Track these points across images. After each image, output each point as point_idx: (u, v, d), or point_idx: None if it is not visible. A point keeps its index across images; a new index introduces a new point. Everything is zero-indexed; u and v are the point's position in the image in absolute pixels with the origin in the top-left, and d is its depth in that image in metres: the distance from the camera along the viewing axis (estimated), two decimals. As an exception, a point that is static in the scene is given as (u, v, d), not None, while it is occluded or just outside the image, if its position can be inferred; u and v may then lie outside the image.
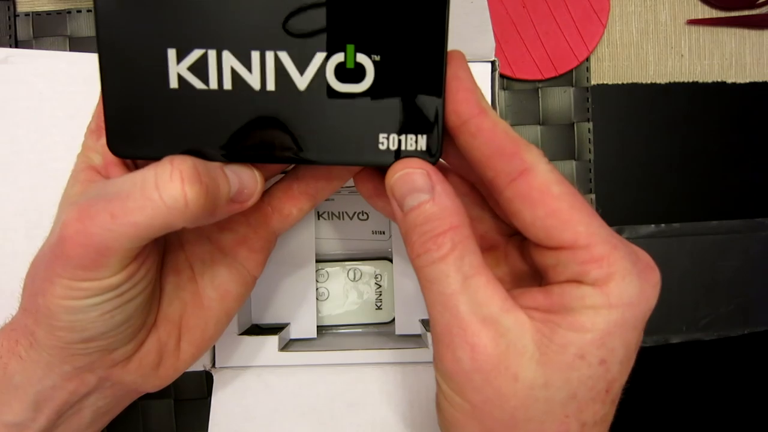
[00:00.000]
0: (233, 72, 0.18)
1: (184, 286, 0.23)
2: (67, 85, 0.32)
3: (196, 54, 0.18)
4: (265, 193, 0.24)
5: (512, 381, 0.18)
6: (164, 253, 0.23)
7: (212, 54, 0.18)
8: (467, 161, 0.20)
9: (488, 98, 0.30)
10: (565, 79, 0.37)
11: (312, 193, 0.24)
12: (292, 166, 0.25)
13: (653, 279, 0.19)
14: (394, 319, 0.34)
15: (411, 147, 0.20)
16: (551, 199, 0.18)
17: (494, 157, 0.19)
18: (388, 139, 0.20)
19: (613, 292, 0.18)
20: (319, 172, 0.23)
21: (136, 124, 0.19)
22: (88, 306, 0.19)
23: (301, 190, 0.24)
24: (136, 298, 0.20)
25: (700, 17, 0.38)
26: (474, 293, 0.18)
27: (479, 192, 0.23)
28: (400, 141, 0.20)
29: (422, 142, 0.20)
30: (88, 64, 0.33)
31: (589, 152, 0.37)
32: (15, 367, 0.21)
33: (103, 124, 0.19)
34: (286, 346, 0.32)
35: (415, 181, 0.19)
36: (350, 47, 0.19)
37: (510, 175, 0.19)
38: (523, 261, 0.22)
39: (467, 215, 0.19)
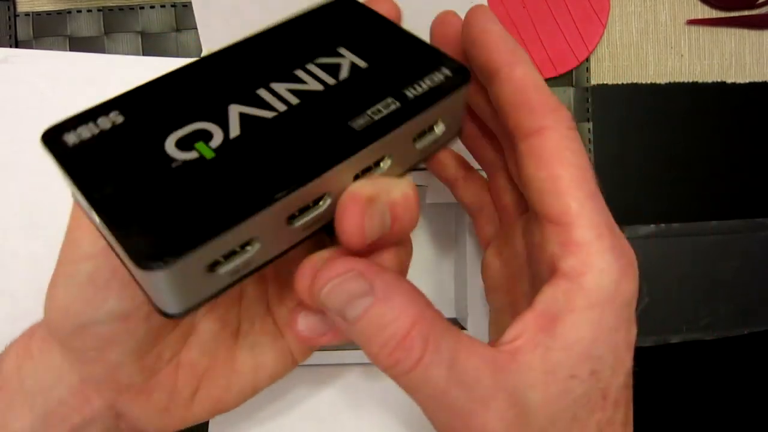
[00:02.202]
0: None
1: (223, 341, 0.22)
2: (67, 85, 0.32)
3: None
4: None
5: None
6: (216, 302, 0.22)
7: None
8: (494, 110, 0.20)
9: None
10: (564, 79, 0.37)
11: None
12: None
13: (634, 275, 0.18)
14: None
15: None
16: (557, 163, 0.18)
17: (519, 108, 0.18)
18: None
19: (590, 286, 0.17)
20: None
21: None
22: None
23: None
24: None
25: (700, 17, 0.38)
26: (463, 376, 0.16)
27: (504, 160, 0.23)
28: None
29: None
30: (88, 64, 0.33)
31: (589, 152, 0.37)
32: (27, 369, 0.21)
33: None
34: (286, 346, 0.32)
35: (347, 289, 0.17)
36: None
37: (528, 130, 0.18)
38: (526, 243, 0.22)
39: (419, 294, 0.17)
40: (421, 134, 0.19)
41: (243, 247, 0.16)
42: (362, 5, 0.21)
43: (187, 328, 0.22)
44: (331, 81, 0.18)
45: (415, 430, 0.30)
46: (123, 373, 0.20)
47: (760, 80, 0.38)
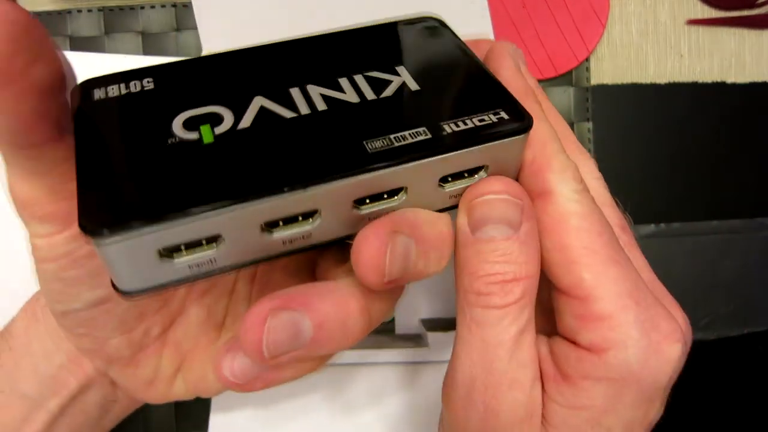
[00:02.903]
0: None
1: (207, 330, 0.22)
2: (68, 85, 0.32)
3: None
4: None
5: None
6: (208, 290, 0.22)
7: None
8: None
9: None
10: (564, 79, 0.37)
11: None
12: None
13: (670, 353, 0.16)
14: (393, 319, 0.34)
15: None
16: (564, 232, 0.16)
17: (524, 166, 0.17)
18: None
19: (612, 363, 0.15)
20: None
21: None
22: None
23: None
24: None
25: (700, 17, 0.38)
26: (520, 351, 0.16)
27: None
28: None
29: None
30: (88, 64, 0.33)
31: (589, 152, 0.37)
32: (33, 332, 0.22)
33: None
34: (286, 346, 0.32)
35: (505, 211, 0.16)
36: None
37: (532, 193, 0.17)
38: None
39: None
40: (456, 177, 0.17)
41: (208, 242, 0.15)
42: (449, 30, 0.20)
43: (177, 308, 0.22)
44: (371, 96, 0.17)
45: (415, 430, 0.30)
46: (111, 346, 0.20)
47: (760, 80, 0.38)
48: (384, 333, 0.35)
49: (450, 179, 0.17)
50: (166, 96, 0.17)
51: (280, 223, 0.15)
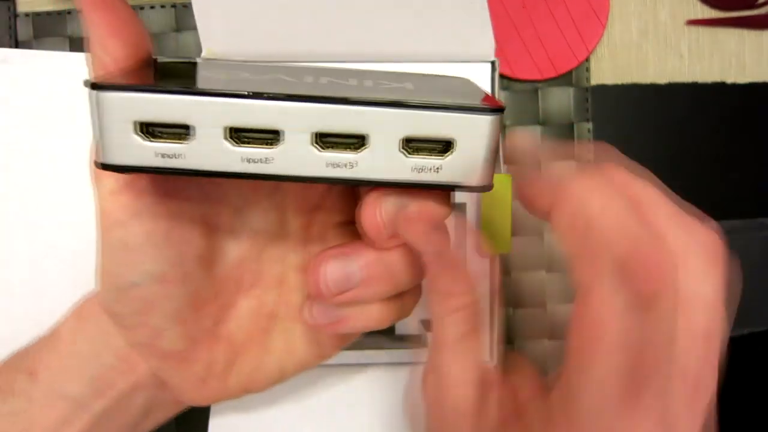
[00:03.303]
0: None
1: (259, 320, 0.23)
2: (67, 85, 0.32)
3: None
4: None
5: None
6: (256, 282, 0.23)
7: None
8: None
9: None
10: (564, 79, 0.37)
11: None
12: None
13: None
14: (393, 319, 0.34)
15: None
16: (588, 346, 0.15)
17: (566, 251, 0.16)
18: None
19: None
20: None
21: None
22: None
23: None
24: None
25: (700, 17, 0.38)
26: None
27: None
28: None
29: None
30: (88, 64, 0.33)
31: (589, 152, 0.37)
32: (80, 333, 0.22)
33: None
34: (286, 346, 0.32)
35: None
36: None
37: (575, 283, 0.16)
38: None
39: None
40: (422, 150, 0.18)
41: (179, 137, 0.17)
42: (473, 83, 0.22)
43: (227, 301, 0.22)
44: (368, 85, 0.19)
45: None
46: (165, 338, 0.21)
47: (760, 80, 0.38)
48: (384, 333, 0.35)
49: (417, 150, 0.18)
50: (209, 66, 0.21)
51: (247, 142, 0.17)
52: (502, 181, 0.29)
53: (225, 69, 0.20)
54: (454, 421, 0.18)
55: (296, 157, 0.17)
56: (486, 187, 0.18)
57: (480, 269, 0.26)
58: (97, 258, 0.20)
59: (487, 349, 0.29)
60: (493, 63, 0.31)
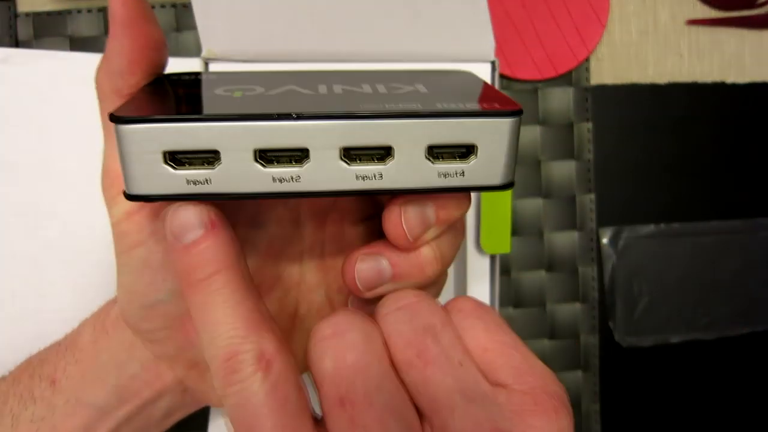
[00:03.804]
0: None
1: (281, 321, 0.23)
2: (67, 85, 0.32)
3: None
4: None
5: None
6: (274, 285, 0.23)
7: None
8: None
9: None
10: (564, 79, 0.37)
11: None
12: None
13: None
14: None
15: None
16: None
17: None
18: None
19: None
20: None
21: None
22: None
23: None
24: None
25: (699, 17, 0.38)
26: None
27: None
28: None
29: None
30: (88, 64, 0.33)
31: (589, 152, 0.37)
32: (102, 344, 0.22)
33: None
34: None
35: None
36: None
37: None
38: None
39: None
40: (447, 156, 0.18)
41: (207, 162, 0.17)
42: (476, 76, 0.22)
43: None
44: (382, 91, 0.19)
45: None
46: (192, 349, 0.21)
47: (760, 80, 0.38)
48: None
49: (440, 156, 0.18)
50: (218, 81, 0.20)
51: (274, 162, 0.17)
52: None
53: (235, 83, 0.20)
54: None
55: (325, 172, 0.17)
56: (508, 185, 0.19)
57: (480, 269, 0.26)
58: (117, 280, 0.20)
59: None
60: (493, 63, 0.31)
